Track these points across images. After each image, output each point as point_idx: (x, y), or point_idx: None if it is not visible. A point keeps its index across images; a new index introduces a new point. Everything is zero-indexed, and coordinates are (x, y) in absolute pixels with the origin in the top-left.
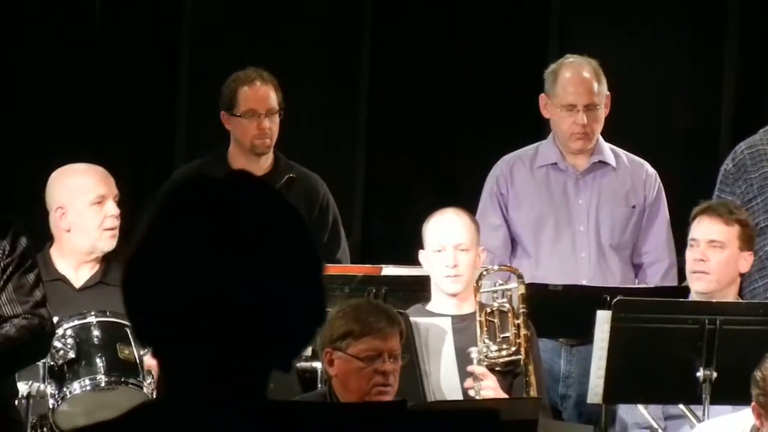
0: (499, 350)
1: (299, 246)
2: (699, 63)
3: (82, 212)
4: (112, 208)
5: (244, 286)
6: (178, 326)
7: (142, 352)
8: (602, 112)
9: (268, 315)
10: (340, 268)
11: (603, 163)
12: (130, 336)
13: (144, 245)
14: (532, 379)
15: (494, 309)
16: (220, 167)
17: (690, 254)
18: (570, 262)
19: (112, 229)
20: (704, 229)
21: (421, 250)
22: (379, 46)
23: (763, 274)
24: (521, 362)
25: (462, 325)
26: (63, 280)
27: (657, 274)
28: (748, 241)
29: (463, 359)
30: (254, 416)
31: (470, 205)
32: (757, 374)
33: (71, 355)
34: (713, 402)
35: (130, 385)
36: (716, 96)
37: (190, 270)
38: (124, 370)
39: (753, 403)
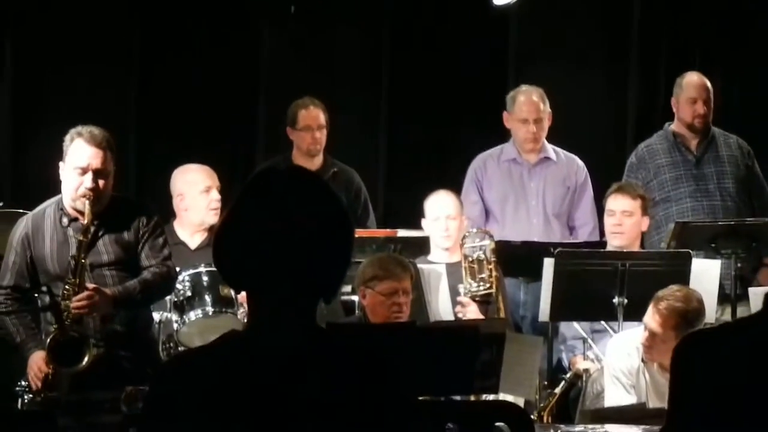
0: (478, 286)
1: (337, 220)
2: (612, 89)
3: (195, 197)
4: (215, 194)
5: (298, 250)
6: (251, 278)
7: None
8: (546, 124)
9: (314, 269)
10: (370, 232)
11: (547, 159)
12: None
13: (227, 219)
14: (501, 306)
15: (474, 258)
16: (284, 165)
17: (609, 220)
18: (526, 225)
19: (215, 208)
20: (619, 202)
21: (423, 219)
22: (395, 77)
23: (657, 232)
24: (493, 294)
25: (452, 269)
26: (182, 244)
27: (585, 233)
28: (646, 210)
29: (454, 293)
30: (308, 333)
31: (456, 187)
32: (665, 294)
33: (188, 293)
34: (625, 320)
35: (228, 314)
36: (623, 110)
37: (258, 238)
38: (225, 304)
39: (654, 314)
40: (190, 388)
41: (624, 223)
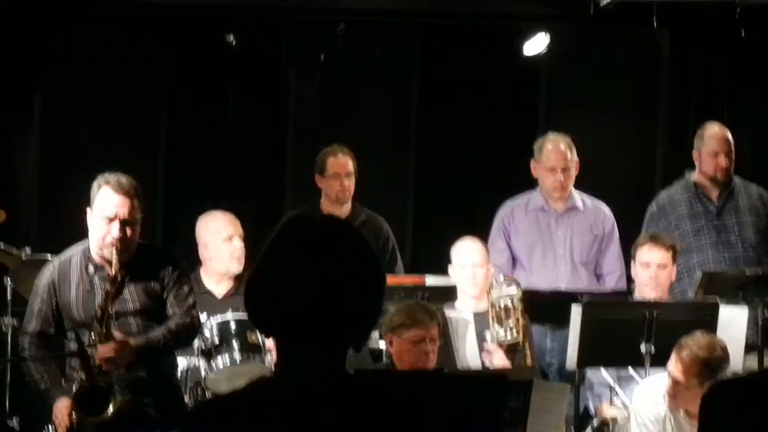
0: (505, 334)
1: (370, 269)
2: (640, 139)
3: (218, 246)
4: (237, 242)
5: (331, 298)
6: (283, 324)
7: (264, 337)
8: (573, 172)
9: (346, 317)
10: (398, 279)
11: (575, 207)
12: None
13: (260, 267)
14: (528, 353)
15: (501, 306)
16: (315, 213)
17: (644, 273)
18: (553, 273)
19: (238, 257)
20: (654, 255)
21: (450, 266)
22: (423, 125)
23: (679, 283)
24: (520, 342)
25: (480, 317)
26: (209, 293)
27: (612, 281)
28: (675, 259)
29: (480, 340)
30: (337, 381)
31: (483, 234)
32: (687, 342)
33: (216, 341)
34: (651, 366)
35: (256, 361)
36: (651, 159)
37: (292, 286)
38: (252, 350)
39: (677, 362)
40: None
41: (659, 275)
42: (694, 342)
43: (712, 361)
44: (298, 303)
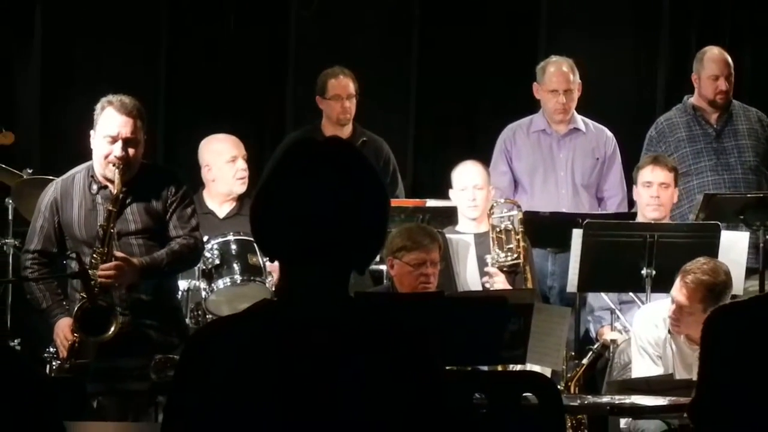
0: (506, 257)
1: (375, 191)
2: (642, 63)
3: (221, 167)
4: (241, 164)
5: (337, 220)
6: (289, 248)
7: (265, 260)
8: (576, 95)
9: (351, 239)
10: (398, 202)
11: (576, 129)
12: (257, 248)
13: (265, 190)
14: (529, 276)
15: (502, 228)
16: (316, 135)
17: (646, 192)
18: (554, 196)
19: (242, 178)
20: (657, 174)
21: (451, 189)
22: (425, 48)
23: (678, 205)
24: (521, 265)
25: (480, 240)
26: (211, 213)
27: (614, 204)
28: (677, 181)
29: (481, 263)
30: (341, 303)
31: (485, 157)
32: (692, 267)
33: (217, 262)
34: (653, 291)
35: (257, 282)
36: (653, 82)
37: (298, 208)
38: (253, 272)
39: (681, 287)
40: (222, 356)
41: (662, 195)
42: (698, 267)
43: (717, 286)
44: (304, 225)
